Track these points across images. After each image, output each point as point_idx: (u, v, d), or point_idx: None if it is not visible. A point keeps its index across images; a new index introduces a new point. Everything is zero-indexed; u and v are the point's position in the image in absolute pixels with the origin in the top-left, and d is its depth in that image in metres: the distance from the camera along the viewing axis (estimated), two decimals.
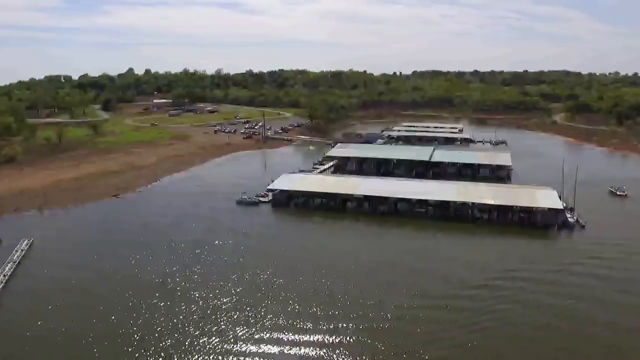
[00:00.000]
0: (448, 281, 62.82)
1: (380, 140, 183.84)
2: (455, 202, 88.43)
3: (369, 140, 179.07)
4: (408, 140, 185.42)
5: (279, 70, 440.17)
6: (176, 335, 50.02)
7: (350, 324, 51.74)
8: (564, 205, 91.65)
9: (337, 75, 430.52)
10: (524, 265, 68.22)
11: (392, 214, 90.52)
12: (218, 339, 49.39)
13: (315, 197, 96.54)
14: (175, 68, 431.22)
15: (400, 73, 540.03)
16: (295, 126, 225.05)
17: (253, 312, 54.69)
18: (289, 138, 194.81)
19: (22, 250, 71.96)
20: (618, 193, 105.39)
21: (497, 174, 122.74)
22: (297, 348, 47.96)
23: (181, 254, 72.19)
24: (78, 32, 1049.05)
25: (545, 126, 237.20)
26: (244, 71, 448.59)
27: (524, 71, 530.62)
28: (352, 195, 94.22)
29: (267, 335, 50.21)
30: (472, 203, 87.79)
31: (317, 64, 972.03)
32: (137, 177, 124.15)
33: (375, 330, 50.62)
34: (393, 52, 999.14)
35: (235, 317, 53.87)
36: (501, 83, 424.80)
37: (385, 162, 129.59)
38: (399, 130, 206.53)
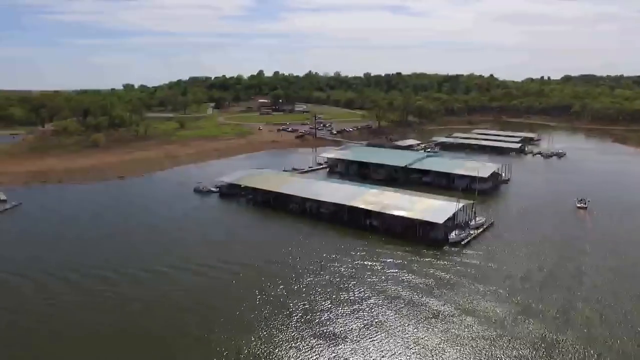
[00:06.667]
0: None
1: (419, 147, 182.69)
2: (346, 206, 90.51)
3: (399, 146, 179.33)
4: (453, 148, 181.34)
5: (396, 73, 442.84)
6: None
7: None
8: (473, 219, 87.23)
9: (454, 79, 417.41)
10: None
11: (301, 212, 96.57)
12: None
13: (249, 190, 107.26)
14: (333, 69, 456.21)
15: (549, 78, 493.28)
16: (357, 128, 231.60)
17: None
18: (337, 140, 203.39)
19: (5, 208, 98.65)
20: (578, 205, 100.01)
21: (473, 187, 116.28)
22: None
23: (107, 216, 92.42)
24: (257, 37, 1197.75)
25: None
26: (361, 74, 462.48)
27: None
28: (273, 192, 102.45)
29: None
30: (362, 209, 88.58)
31: (467, 68, 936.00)
32: (159, 164, 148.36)
33: None
34: (553, 55, 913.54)
35: None
36: None
37: (366, 165, 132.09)
38: (463, 137, 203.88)
